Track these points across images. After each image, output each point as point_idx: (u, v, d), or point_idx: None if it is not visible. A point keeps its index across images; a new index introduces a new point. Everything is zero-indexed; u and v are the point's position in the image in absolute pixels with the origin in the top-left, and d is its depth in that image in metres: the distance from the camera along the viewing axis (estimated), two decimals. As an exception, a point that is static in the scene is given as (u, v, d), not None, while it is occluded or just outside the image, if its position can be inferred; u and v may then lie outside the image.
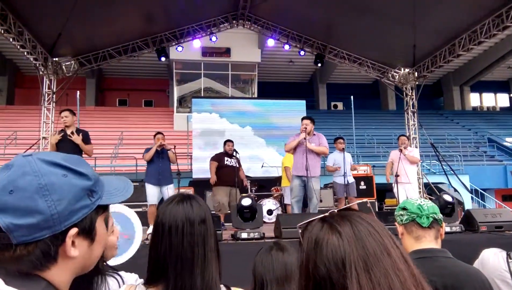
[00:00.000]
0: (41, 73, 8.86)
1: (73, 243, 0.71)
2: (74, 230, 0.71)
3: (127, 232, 1.92)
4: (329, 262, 0.74)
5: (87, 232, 0.74)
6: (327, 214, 0.82)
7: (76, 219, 0.71)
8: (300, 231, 0.84)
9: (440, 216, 1.72)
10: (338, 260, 0.73)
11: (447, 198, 5.08)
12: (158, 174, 6.32)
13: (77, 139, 5.52)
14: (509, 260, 1.78)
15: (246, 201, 4.89)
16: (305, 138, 5.73)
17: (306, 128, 5.74)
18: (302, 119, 5.99)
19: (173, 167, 6.62)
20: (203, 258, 1.19)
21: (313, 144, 5.76)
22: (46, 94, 9.10)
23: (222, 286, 1.26)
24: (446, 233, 2.14)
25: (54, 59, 9.02)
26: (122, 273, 1.50)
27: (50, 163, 0.70)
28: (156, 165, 6.37)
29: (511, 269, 1.75)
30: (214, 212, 7.16)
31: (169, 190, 6.26)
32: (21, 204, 0.65)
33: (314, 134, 5.91)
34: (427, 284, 0.77)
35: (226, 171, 6.73)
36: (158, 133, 6.65)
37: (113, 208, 2.05)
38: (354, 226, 0.76)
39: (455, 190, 12.26)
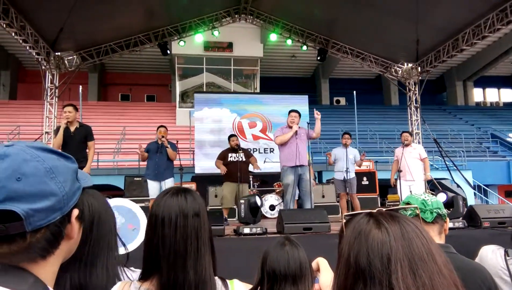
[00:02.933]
0: (43, 67, 8.87)
1: None
2: (76, 211, 0.74)
3: (131, 223, 1.92)
4: (373, 254, 0.74)
5: (81, 213, 0.76)
6: (374, 211, 0.83)
7: (75, 199, 0.73)
8: (344, 221, 0.86)
9: (444, 211, 1.71)
10: (383, 255, 0.73)
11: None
12: (154, 169, 6.40)
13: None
14: (507, 258, 1.78)
15: (259, 201, 4.82)
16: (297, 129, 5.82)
17: (294, 120, 5.84)
18: (290, 112, 6.02)
19: (176, 162, 6.64)
20: (196, 251, 1.19)
21: (302, 135, 5.88)
22: (49, 89, 9.12)
23: (217, 278, 1.26)
24: (449, 228, 2.13)
25: (57, 53, 9.02)
26: (132, 269, 1.49)
27: (42, 149, 0.72)
28: (153, 160, 6.44)
29: (508, 267, 1.75)
30: (215, 207, 7.18)
31: (167, 185, 6.29)
32: (34, 189, 0.66)
33: (299, 127, 5.97)
34: None
35: (231, 167, 6.71)
36: (161, 126, 6.65)
37: (114, 202, 2.06)
38: (402, 226, 0.77)
39: (458, 185, 12.23)
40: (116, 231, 1.44)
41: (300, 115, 6.03)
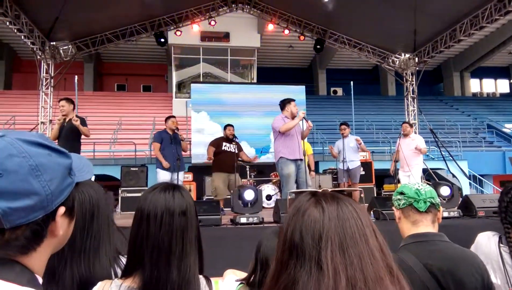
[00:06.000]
0: (38, 57, 8.80)
1: None
2: (62, 209, 0.71)
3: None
4: (306, 231, 0.77)
5: (70, 210, 0.74)
6: (320, 190, 0.86)
7: (63, 197, 0.71)
8: (289, 197, 0.91)
9: (437, 200, 1.72)
10: (315, 232, 0.77)
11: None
12: (174, 160, 6.23)
13: (79, 126, 5.51)
14: (501, 245, 1.79)
15: (249, 195, 4.78)
16: (306, 120, 5.59)
17: (304, 112, 5.61)
18: (291, 100, 5.76)
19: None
20: (181, 250, 1.18)
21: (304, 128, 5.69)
22: (44, 79, 9.05)
23: (201, 277, 1.25)
24: (444, 218, 2.15)
25: (52, 43, 8.95)
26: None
27: (32, 143, 0.68)
28: (170, 151, 6.28)
29: (501, 253, 1.76)
30: (211, 197, 7.18)
31: (180, 177, 6.28)
32: (15, 187, 0.63)
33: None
34: (405, 279, 0.79)
35: (224, 157, 6.61)
36: (172, 116, 6.62)
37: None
38: (339, 207, 0.80)
39: (454, 175, 12.30)
40: (113, 220, 1.44)
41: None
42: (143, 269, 1.15)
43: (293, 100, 5.80)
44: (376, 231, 0.81)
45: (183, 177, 6.36)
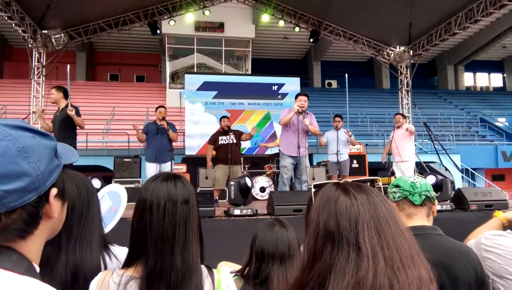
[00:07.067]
0: (30, 46, 8.67)
1: None
2: (54, 190, 0.71)
3: (115, 204, 1.95)
4: (341, 216, 0.81)
5: (61, 192, 0.74)
6: (342, 181, 0.89)
7: (53, 178, 0.71)
8: (313, 190, 0.93)
9: (432, 193, 1.72)
10: (351, 217, 0.80)
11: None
12: (156, 151, 6.23)
13: (73, 116, 5.38)
14: None
15: (249, 182, 4.80)
16: (301, 113, 5.56)
17: (303, 105, 5.57)
18: (299, 95, 5.76)
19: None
20: (184, 238, 1.19)
21: (307, 122, 5.67)
22: (36, 68, 8.93)
23: (203, 266, 1.26)
24: (437, 211, 2.15)
25: (43, 31, 8.82)
26: (115, 247, 1.49)
27: (15, 127, 0.69)
28: (154, 142, 6.27)
29: None
30: (205, 189, 7.16)
31: (166, 168, 6.22)
32: (6, 170, 0.64)
33: (307, 113, 5.73)
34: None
35: (222, 150, 6.62)
36: (161, 106, 6.49)
37: (108, 188, 2.07)
38: (367, 193, 0.84)
39: (446, 169, 12.38)
40: (100, 211, 1.46)
41: (308, 99, 5.74)
42: (146, 259, 1.16)
43: (300, 95, 5.77)
44: (398, 214, 0.86)
45: (171, 169, 6.28)
